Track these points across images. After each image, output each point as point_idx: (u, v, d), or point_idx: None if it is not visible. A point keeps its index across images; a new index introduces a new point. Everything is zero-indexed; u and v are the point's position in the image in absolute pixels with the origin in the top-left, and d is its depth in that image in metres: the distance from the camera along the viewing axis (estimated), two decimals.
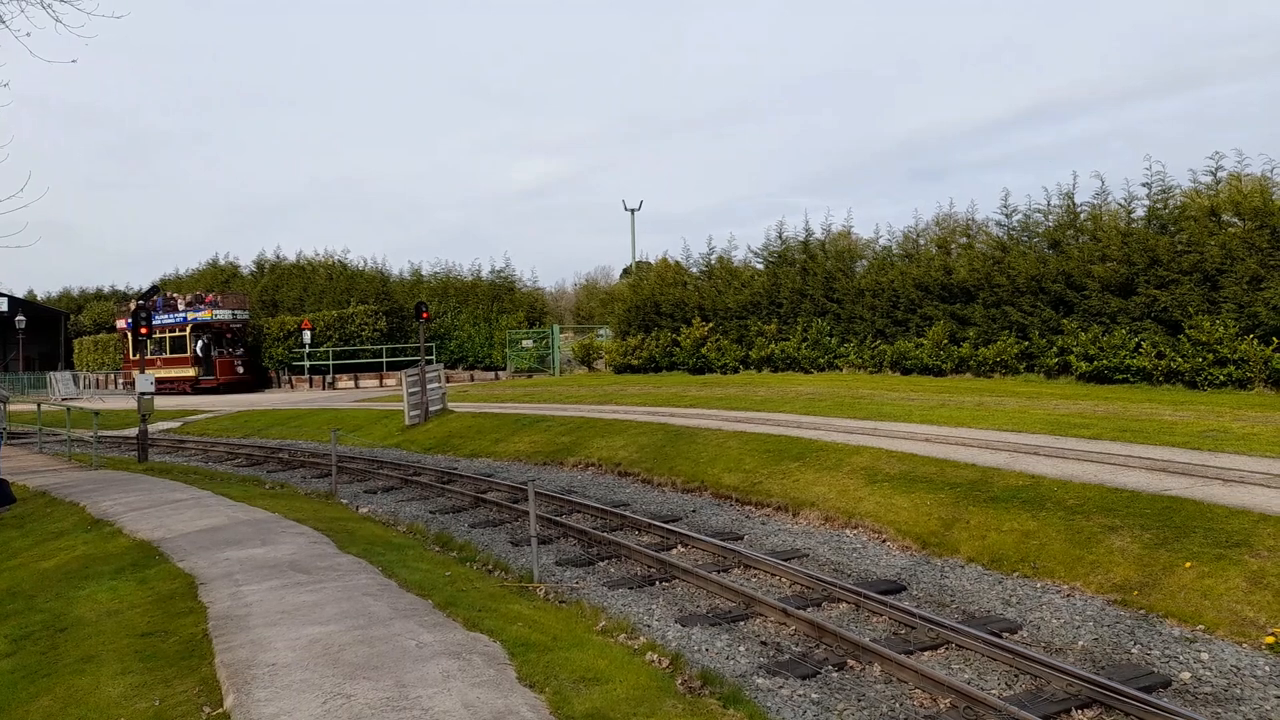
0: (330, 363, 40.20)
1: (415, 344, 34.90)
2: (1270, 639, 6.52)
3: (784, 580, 8.63)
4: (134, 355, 42.13)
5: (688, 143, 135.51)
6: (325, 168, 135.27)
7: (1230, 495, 8.68)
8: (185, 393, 40.43)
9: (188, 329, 41.45)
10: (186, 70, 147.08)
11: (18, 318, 49.36)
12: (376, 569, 7.63)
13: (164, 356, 41.98)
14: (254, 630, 5.91)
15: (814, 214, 56.91)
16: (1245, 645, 6.56)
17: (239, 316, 42.84)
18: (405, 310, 40.62)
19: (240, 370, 42.32)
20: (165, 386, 41.20)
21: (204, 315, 41.46)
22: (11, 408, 26.18)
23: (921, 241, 25.34)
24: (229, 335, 42.68)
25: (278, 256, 49.64)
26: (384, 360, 39.68)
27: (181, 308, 42.41)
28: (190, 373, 41.29)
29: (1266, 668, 6.24)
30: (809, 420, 15.52)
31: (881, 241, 26.53)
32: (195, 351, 41.44)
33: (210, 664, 5.40)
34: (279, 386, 42.47)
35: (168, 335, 42.01)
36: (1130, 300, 19.18)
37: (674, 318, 29.95)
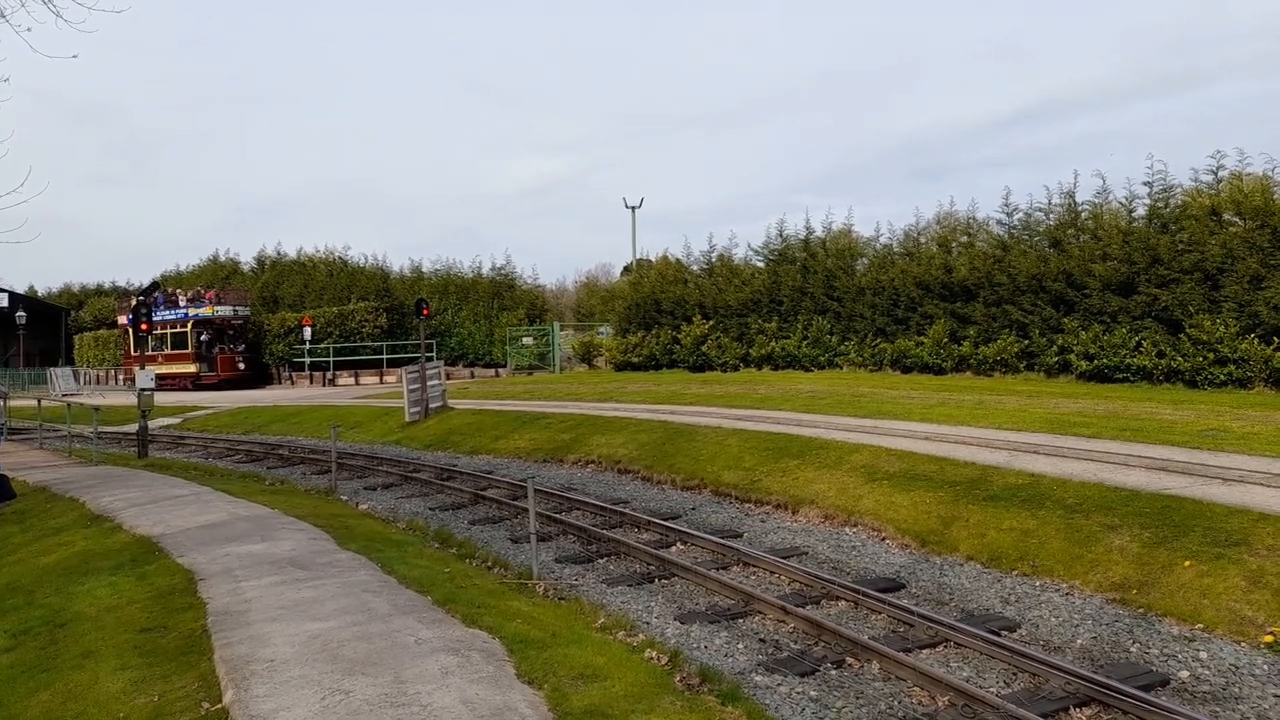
0: (331, 359, 40.22)
1: (416, 341, 34.89)
2: (1269, 638, 6.52)
3: (783, 578, 8.64)
4: (135, 351, 42.11)
5: (689, 140, 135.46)
6: (326, 164, 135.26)
7: (1229, 494, 8.68)
8: (186, 389, 40.43)
9: (189, 325, 41.44)
10: (187, 66, 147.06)
11: (18, 313, 49.40)
12: (376, 565, 7.64)
13: (165, 353, 41.98)
14: (253, 626, 5.91)
15: (815, 212, 57.18)
16: (1244, 644, 6.57)
17: (240, 313, 42.83)
18: (406, 307, 40.64)
19: (241, 367, 42.32)
20: (166, 383, 41.13)
21: (205, 311, 41.43)
22: (12, 403, 26.19)
23: (922, 240, 25.35)
24: (230, 332, 42.65)
25: (278, 253, 49.73)
26: (384, 357, 39.70)
27: (183, 304, 42.36)
28: (191, 369, 41.29)
29: (1265, 666, 6.24)
30: (809, 418, 15.52)
31: (882, 240, 26.58)
32: (196, 348, 41.42)
33: (209, 659, 5.40)
34: (279, 383, 42.50)
35: (169, 331, 41.99)
36: (1131, 299, 19.17)
37: (674, 315, 29.95)
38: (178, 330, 41.92)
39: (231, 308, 42.32)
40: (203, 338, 41.60)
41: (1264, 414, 13.24)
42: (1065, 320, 20.21)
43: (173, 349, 42.11)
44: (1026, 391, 17.73)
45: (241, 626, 5.92)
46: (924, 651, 6.76)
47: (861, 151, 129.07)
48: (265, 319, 43.48)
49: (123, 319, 45.07)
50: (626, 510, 11.52)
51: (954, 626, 6.95)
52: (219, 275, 50.01)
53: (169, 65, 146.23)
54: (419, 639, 5.55)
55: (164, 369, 41.28)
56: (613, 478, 14.40)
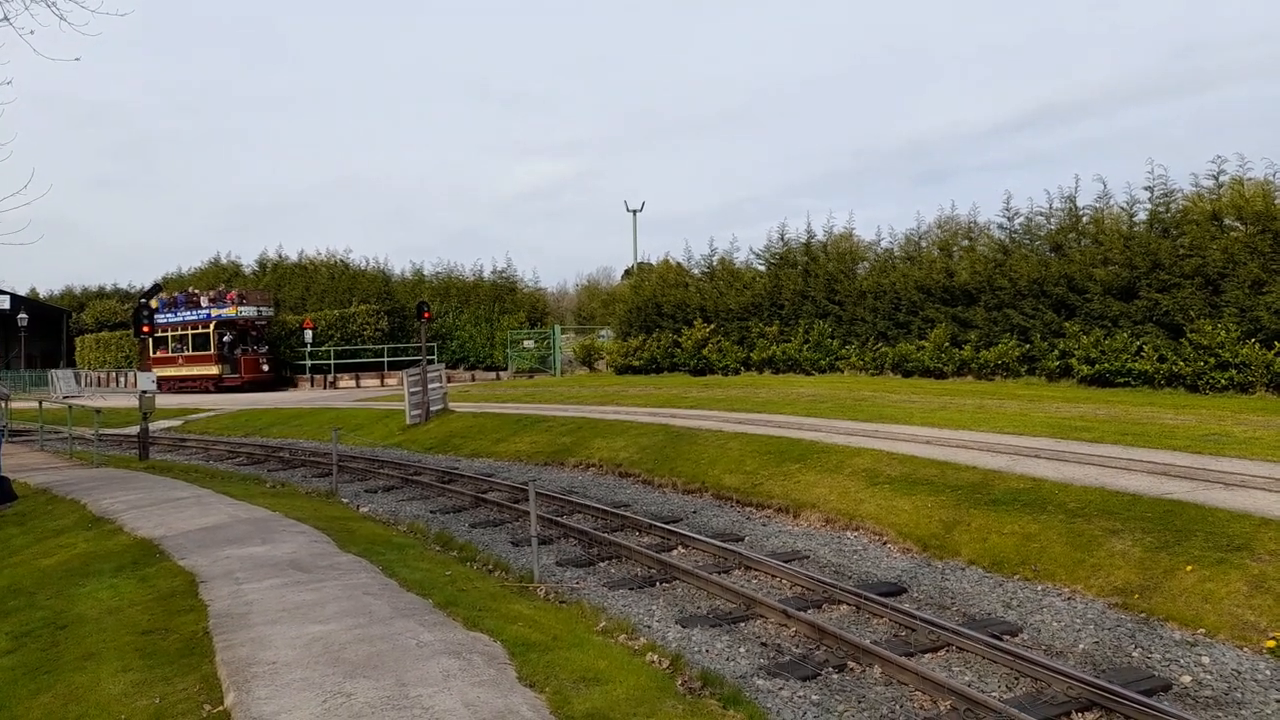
0: (332, 362, 40.16)
1: (417, 344, 34.91)
2: (1271, 643, 6.51)
3: (785, 582, 8.63)
4: (155, 352, 41.69)
5: (691, 144, 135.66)
6: (329, 167, 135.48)
7: (1231, 499, 8.67)
8: (208, 391, 39.56)
9: (211, 326, 40.46)
10: (190, 68, 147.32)
11: (20, 315, 49.39)
12: (377, 568, 7.63)
13: (186, 354, 41.23)
14: (254, 628, 5.91)
15: (816, 216, 57.08)
16: (1246, 649, 6.56)
17: (264, 313, 41.74)
18: (407, 310, 40.59)
19: (265, 368, 41.26)
20: (188, 384, 40.60)
21: (228, 312, 40.42)
22: (13, 405, 26.19)
23: (923, 244, 25.35)
24: (254, 333, 41.67)
25: (280, 256, 49.57)
26: (385, 360, 39.66)
27: (205, 304, 41.38)
28: (214, 370, 40.26)
29: (1267, 671, 6.23)
30: (810, 422, 15.51)
31: (883, 244, 26.57)
32: (219, 349, 40.38)
33: (211, 662, 5.40)
34: (299, 386, 41.90)
35: (190, 332, 41.24)
36: (1132, 304, 19.16)
37: (675, 319, 29.95)
38: (199, 331, 40.94)
39: (255, 308, 41.23)
40: (225, 339, 40.52)
41: (1265, 419, 13.23)
42: (1066, 324, 20.20)
43: (194, 350, 41.09)
44: (1028, 396, 17.73)
45: (243, 629, 5.92)
46: (926, 656, 6.76)
47: (863, 155, 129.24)
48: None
49: None
50: (628, 513, 11.51)
51: (956, 631, 6.94)
52: (220, 277, 49.85)
53: (171, 67, 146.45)
54: (420, 642, 5.54)
55: (185, 371, 40.76)
56: (614, 481, 14.39)
